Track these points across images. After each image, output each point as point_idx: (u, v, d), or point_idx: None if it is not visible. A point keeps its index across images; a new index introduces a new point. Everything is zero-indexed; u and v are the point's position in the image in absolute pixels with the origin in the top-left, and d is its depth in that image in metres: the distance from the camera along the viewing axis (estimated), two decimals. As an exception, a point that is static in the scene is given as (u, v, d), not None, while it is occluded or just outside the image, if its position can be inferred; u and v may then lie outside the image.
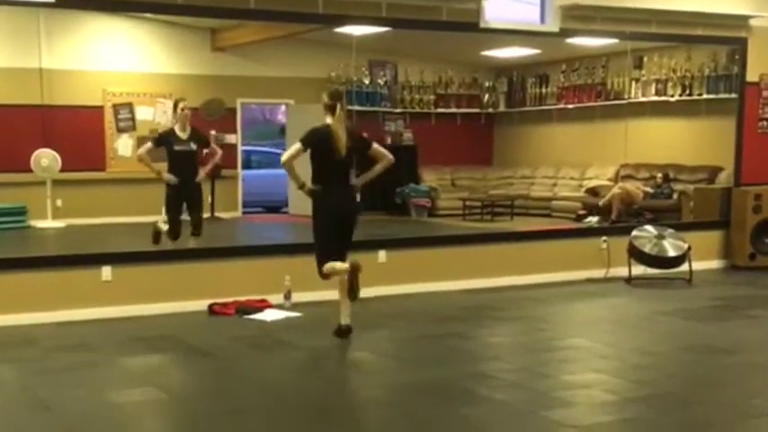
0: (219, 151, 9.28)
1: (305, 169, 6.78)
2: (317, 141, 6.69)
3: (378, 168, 6.91)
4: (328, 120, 6.74)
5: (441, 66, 15.64)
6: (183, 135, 8.70)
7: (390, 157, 6.92)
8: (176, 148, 8.65)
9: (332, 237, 6.82)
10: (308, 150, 6.70)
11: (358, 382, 6.11)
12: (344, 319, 6.85)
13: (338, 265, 6.74)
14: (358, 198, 7.08)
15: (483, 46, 13.66)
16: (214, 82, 14.21)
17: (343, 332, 6.84)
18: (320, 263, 6.83)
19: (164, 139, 8.80)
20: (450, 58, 15.48)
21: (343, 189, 6.83)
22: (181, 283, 7.94)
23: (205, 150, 9.23)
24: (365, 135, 7.18)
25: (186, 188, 8.70)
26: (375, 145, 6.99)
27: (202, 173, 8.92)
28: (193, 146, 8.76)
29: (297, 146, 6.65)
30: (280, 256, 8.43)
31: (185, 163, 8.70)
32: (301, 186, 6.80)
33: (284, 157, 6.69)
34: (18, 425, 4.92)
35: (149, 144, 8.82)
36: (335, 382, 5.97)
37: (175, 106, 8.85)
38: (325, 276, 6.86)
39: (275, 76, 14.64)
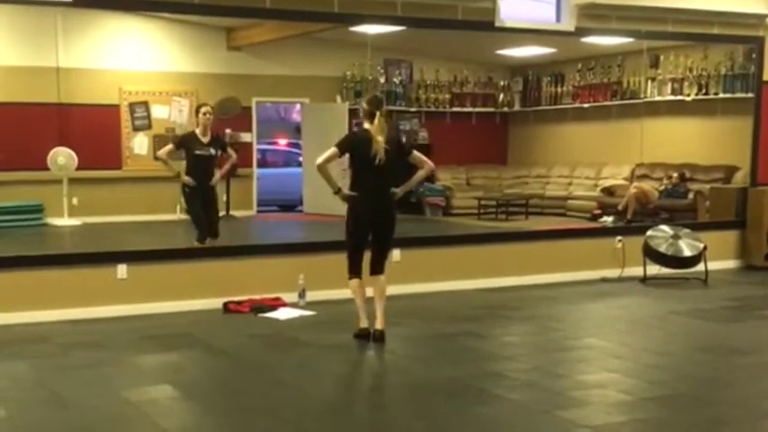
0: (234, 155, 9.34)
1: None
2: (354, 146, 6.66)
3: (419, 176, 6.86)
4: (366, 125, 6.67)
5: (456, 65, 15.64)
6: (204, 139, 8.81)
7: (431, 164, 6.86)
8: (197, 152, 8.76)
9: (361, 240, 6.78)
10: (347, 155, 6.65)
11: (372, 380, 6.12)
12: (378, 324, 6.78)
13: (356, 286, 6.76)
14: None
15: (498, 45, 13.64)
16: (229, 81, 14.25)
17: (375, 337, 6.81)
18: (348, 264, 6.81)
19: (185, 142, 8.91)
20: (466, 57, 15.47)
21: (381, 195, 6.70)
22: (196, 282, 7.97)
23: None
24: (404, 141, 7.09)
25: (202, 191, 8.80)
26: (416, 152, 6.88)
27: (218, 176, 9.03)
28: (213, 151, 8.88)
29: (332, 150, 6.56)
30: (294, 255, 8.45)
31: (204, 167, 8.82)
32: (337, 191, 6.67)
33: (319, 161, 6.53)
34: (34, 421, 4.96)
35: (170, 146, 8.98)
36: (349, 381, 5.98)
37: (197, 111, 8.96)
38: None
39: (290, 74, 14.67)
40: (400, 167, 6.89)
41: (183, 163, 8.93)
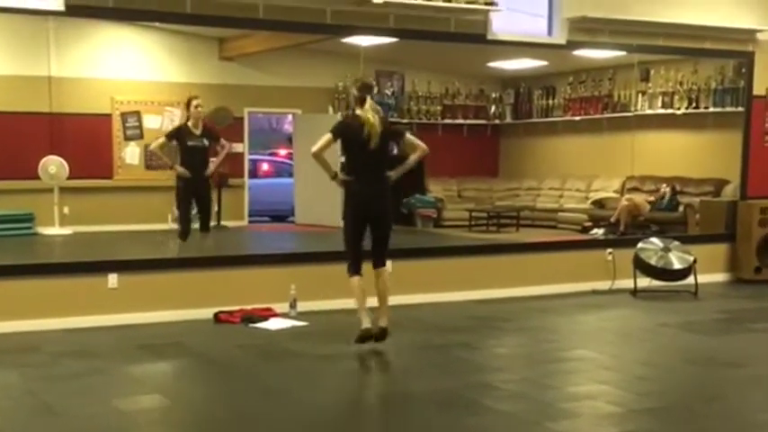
0: (228, 145, 9.48)
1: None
2: (348, 131, 6.67)
3: (412, 159, 6.88)
4: (358, 111, 6.70)
5: (448, 77, 15.65)
6: (196, 131, 8.98)
7: (425, 147, 6.85)
8: (189, 143, 8.94)
9: (358, 227, 6.78)
10: (340, 141, 6.66)
11: (362, 391, 6.12)
12: (382, 322, 6.86)
13: (356, 284, 6.75)
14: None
15: (490, 57, 13.67)
16: (221, 91, 14.23)
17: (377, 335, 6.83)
18: (349, 260, 6.80)
19: (177, 134, 9.09)
20: (458, 70, 15.49)
21: (377, 181, 6.72)
22: (187, 291, 7.96)
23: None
24: (398, 126, 7.10)
25: (197, 182, 8.95)
26: (408, 135, 6.92)
27: (212, 167, 9.19)
28: (206, 141, 9.07)
29: (327, 136, 6.61)
30: (285, 265, 8.45)
31: (197, 157, 8.99)
32: (333, 177, 6.73)
33: (314, 149, 6.56)
34: (23, 431, 4.94)
35: (163, 138, 9.20)
36: (340, 392, 5.97)
37: (188, 104, 9.10)
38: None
39: (282, 85, 14.66)
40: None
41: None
